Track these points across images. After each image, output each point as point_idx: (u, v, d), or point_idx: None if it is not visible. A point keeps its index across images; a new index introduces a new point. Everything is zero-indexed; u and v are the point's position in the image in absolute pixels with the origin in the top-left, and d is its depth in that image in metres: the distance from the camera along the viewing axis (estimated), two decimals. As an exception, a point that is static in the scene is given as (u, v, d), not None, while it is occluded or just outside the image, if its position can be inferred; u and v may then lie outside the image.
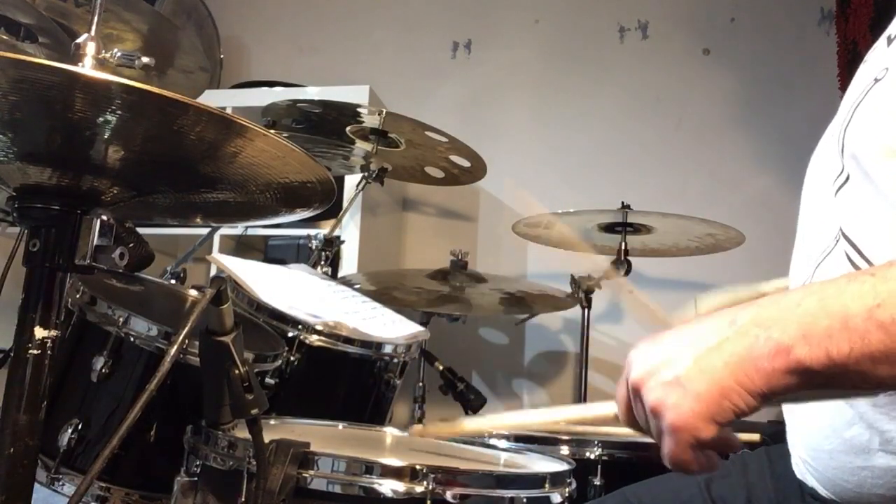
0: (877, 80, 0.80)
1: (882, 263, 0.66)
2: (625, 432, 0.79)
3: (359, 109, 2.12)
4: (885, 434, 0.75)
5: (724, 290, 1.17)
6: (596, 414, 0.85)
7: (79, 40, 1.04)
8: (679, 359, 0.68)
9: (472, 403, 2.13)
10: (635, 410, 0.73)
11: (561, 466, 1.13)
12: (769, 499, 0.92)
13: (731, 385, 0.65)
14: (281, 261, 2.52)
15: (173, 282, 1.67)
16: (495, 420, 1.00)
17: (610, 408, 0.79)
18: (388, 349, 1.58)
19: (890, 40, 0.85)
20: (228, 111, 0.78)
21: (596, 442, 1.45)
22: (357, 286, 2.00)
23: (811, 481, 0.85)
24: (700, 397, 0.66)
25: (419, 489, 0.94)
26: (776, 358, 0.64)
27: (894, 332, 0.60)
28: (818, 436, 0.82)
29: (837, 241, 0.81)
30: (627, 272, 2.16)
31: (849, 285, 0.64)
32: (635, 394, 0.71)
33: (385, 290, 2.26)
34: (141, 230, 0.91)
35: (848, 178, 0.81)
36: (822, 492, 0.84)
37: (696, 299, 1.18)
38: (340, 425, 1.38)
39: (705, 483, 0.96)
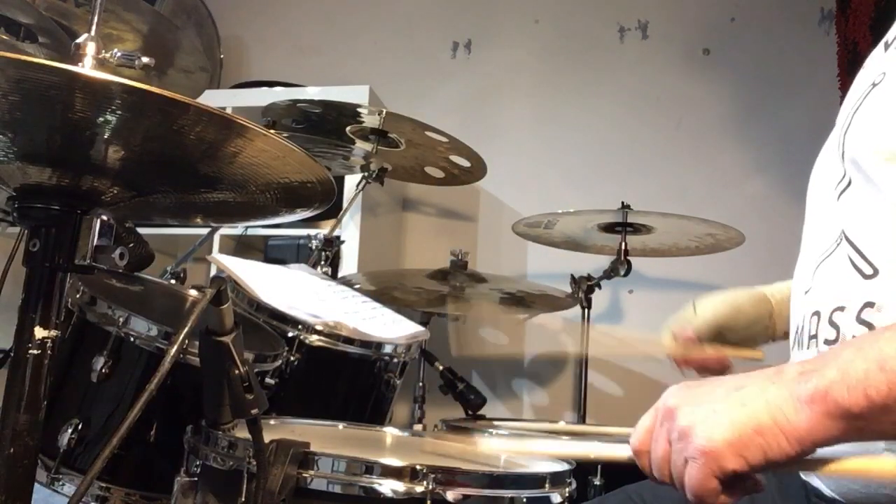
0: (875, 85, 0.81)
1: None
2: (625, 432, 0.79)
3: (359, 109, 2.12)
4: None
5: (722, 293, 1.17)
6: (606, 454, 0.85)
7: (79, 40, 1.04)
8: (721, 392, 0.69)
9: (472, 403, 2.13)
10: (655, 440, 0.72)
11: (561, 466, 1.13)
12: (772, 499, 0.92)
13: (769, 423, 0.66)
14: (281, 261, 2.52)
15: (173, 282, 1.67)
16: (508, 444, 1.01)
17: (621, 450, 0.79)
18: (388, 349, 1.58)
19: (888, 45, 0.85)
20: (228, 111, 0.78)
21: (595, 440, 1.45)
22: (357, 286, 2.00)
23: (816, 482, 0.85)
24: (734, 425, 0.66)
25: (419, 489, 0.94)
26: (815, 401, 0.64)
27: None
28: None
29: (839, 243, 0.81)
30: (627, 272, 2.16)
31: (883, 333, 0.65)
32: (666, 417, 0.71)
33: (385, 290, 2.26)
34: (141, 230, 0.91)
35: (850, 183, 0.81)
36: (827, 492, 0.83)
37: (694, 302, 1.18)
38: (340, 425, 1.38)
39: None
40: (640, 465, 0.75)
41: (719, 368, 1.16)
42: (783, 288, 1.13)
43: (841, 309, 0.80)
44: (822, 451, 0.86)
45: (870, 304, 0.77)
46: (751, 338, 1.16)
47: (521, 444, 1.01)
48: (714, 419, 0.67)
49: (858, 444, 0.76)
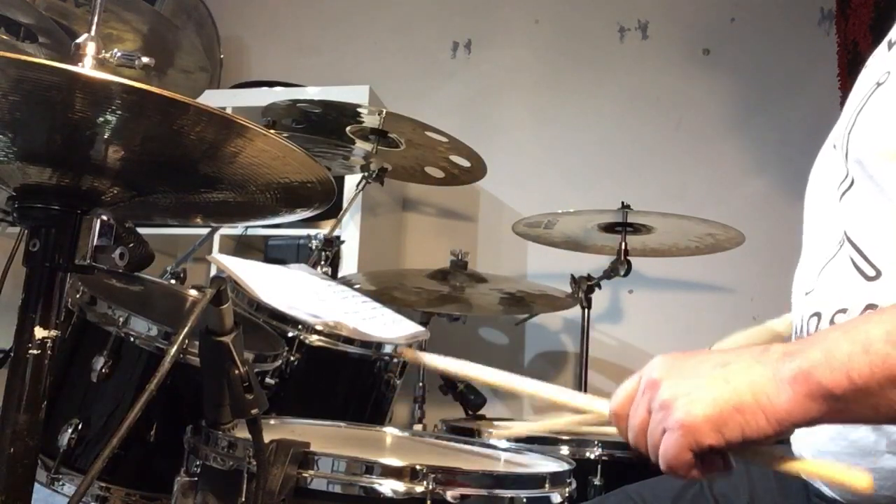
0: (879, 84, 0.81)
1: None
2: (603, 415, 0.80)
3: (359, 109, 2.12)
4: (892, 436, 0.75)
5: (737, 334, 1.17)
6: (589, 406, 0.85)
7: (79, 40, 1.04)
8: (706, 368, 0.70)
9: (472, 403, 2.13)
10: (635, 408, 0.73)
11: (561, 466, 1.13)
12: (772, 498, 0.92)
13: (750, 402, 0.66)
14: (281, 261, 2.52)
15: (173, 282, 1.67)
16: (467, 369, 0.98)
17: (602, 405, 0.80)
18: (388, 349, 1.58)
19: (891, 44, 0.85)
20: (228, 111, 0.78)
21: (596, 442, 1.45)
22: (357, 286, 2.00)
23: (817, 481, 0.85)
24: (716, 402, 0.67)
25: (419, 489, 0.94)
26: (797, 381, 0.65)
27: None
28: (824, 438, 0.82)
29: (841, 245, 0.81)
30: (627, 272, 2.16)
31: (871, 317, 0.66)
32: (649, 387, 0.71)
33: (385, 290, 2.26)
34: (141, 230, 0.91)
35: (852, 183, 0.81)
36: (828, 492, 0.83)
37: (711, 348, 1.17)
38: (340, 425, 1.38)
39: (707, 482, 0.96)
40: (617, 427, 0.76)
41: None
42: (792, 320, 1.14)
43: (843, 311, 0.80)
44: (797, 447, 0.85)
45: (872, 307, 0.76)
46: None
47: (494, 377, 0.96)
48: (696, 394, 0.68)
49: (857, 447, 0.77)
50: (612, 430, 0.83)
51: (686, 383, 0.69)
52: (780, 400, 0.65)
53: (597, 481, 1.42)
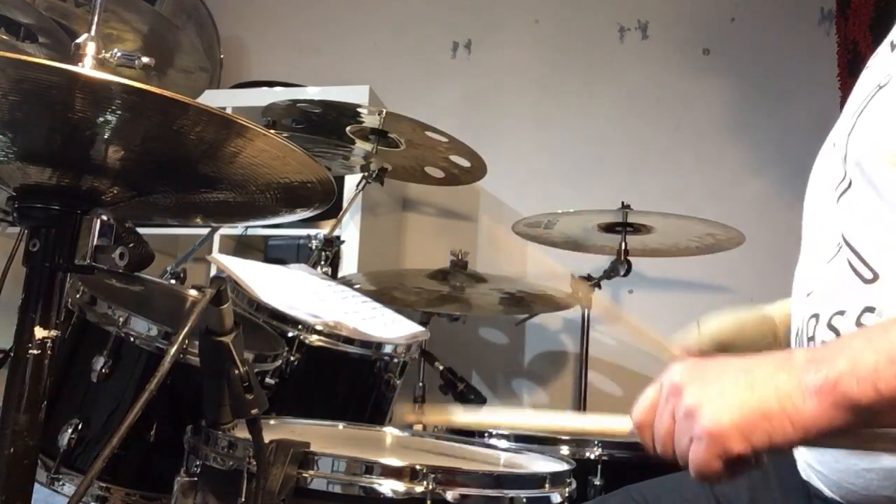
0: (880, 87, 0.81)
1: None
2: (625, 432, 0.79)
3: (359, 109, 2.12)
4: (891, 435, 0.75)
5: (727, 312, 1.17)
6: (606, 427, 0.85)
7: (79, 40, 1.04)
8: (730, 374, 0.69)
9: (472, 403, 2.13)
10: (660, 416, 0.72)
11: (561, 466, 1.13)
12: (773, 499, 0.92)
13: (776, 409, 0.66)
14: (281, 261, 2.52)
15: (173, 282, 1.67)
16: (492, 417, 1.00)
17: (622, 423, 0.79)
18: (388, 349, 1.58)
19: (893, 46, 0.85)
20: (228, 111, 0.78)
21: (596, 442, 1.45)
22: (357, 286, 2.00)
23: (816, 483, 0.85)
24: (742, 408, 0.66)
25: (419, 489, 0.94)
26: (823, 392, 0.64)
27: None
28: None
29: (840, 248, 0.81)
30: (627, 272, 2.16)
31: (894, 325, 0.65)
32: (672, 393, 0.71)
33: (385, 290, 2.26)
34: (141, 230, 0.91)
35: (850, 185, 0.81)
36: (828, 493, 0.83)
37: (699, 322, 1.18)
38: (340, 425, 1.38)
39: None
40: (641, 438, 0.75)
41: None
42: (785, 307, 1.13)
43: (841, 313, 0.80)
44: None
45: (870, 309, 0.76)
46: None
47: (508, 417, 1.00)
48: (722, 401, 0.67)
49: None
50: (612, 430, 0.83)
51: (710, 389, 0.68)
52: (807, 409, 0.65)
53: (597, 481, 1.42)
